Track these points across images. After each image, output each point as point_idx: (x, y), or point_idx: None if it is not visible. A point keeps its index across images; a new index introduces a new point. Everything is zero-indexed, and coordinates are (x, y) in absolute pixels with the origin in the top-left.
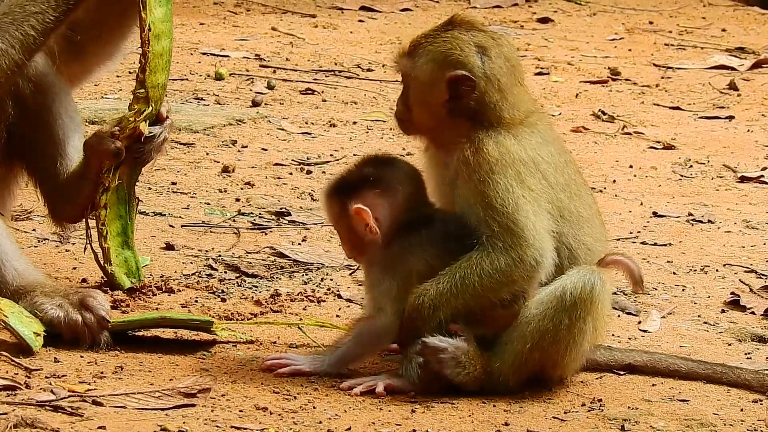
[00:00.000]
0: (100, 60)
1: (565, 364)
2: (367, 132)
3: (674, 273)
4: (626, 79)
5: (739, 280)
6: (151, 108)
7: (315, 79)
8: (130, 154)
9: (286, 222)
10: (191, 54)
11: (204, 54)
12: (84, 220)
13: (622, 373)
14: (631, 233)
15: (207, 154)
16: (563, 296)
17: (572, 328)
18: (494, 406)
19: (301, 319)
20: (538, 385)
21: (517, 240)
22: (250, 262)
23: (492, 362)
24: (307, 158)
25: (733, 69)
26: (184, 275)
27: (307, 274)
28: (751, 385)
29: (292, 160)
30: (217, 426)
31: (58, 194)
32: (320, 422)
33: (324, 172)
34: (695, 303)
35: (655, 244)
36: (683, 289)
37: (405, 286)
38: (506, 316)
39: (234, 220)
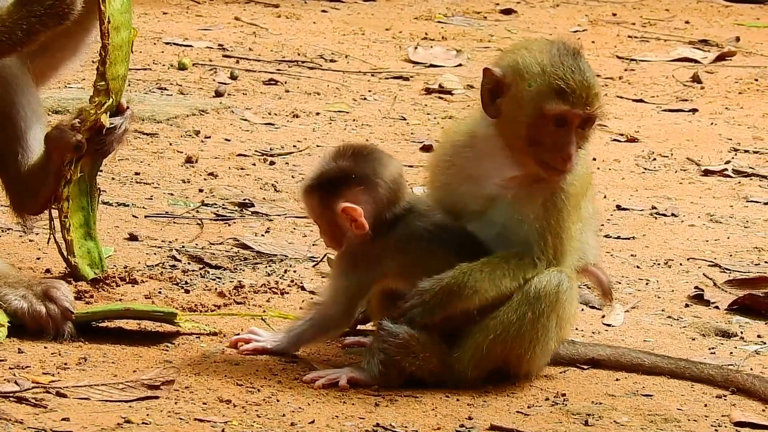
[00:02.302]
0: (66, 56)
1: (529, 360)
2: (330, 123)
3: (638, 267)
4: None
5: (703, 274)
6: (111, 100)
7: (278, 70)
8: (92, 146)
9: (250, 213)
10: (154, 44)
11: (167, 44)
12: (47, 211)
13: (585, 367)
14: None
15: (170, 144)
16: (528, 290)
17: (536, 323)
18: (458, 400)
19: (264, 311)
20: (502, 379)
21: (561, 260)
22: (214, 254)
23: (451, 354)
24: (270, 149)
25: (696, 61)
26: (147, 266)
27: (270, 266)
28: (714, 380)
29: (255, 150)
30: (181, 418)
31: (19, 187)
32: (284, 415)
33: (287, 164)
34: (659, 297)
35: (618, 237)
36: (647, 283)
37: (364, 288)
38: (466, 313)
39: (197, 211)
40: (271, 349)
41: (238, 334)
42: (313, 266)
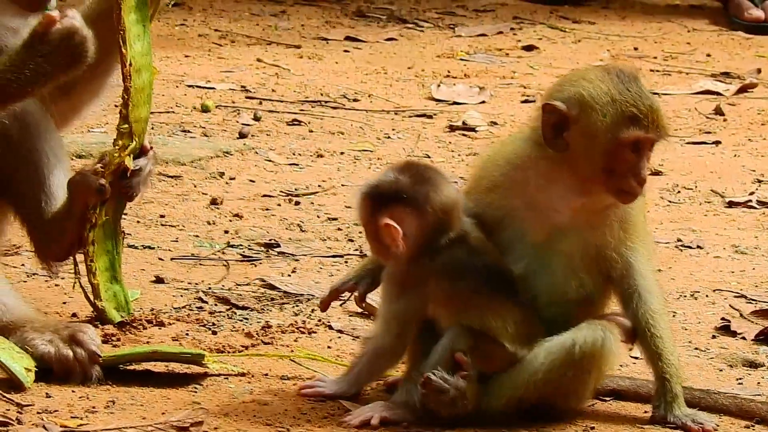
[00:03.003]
0: (88, 98)
1: (562, 406)
2: (355, 162)
3: (664, 299)
4: None
5: (729, 305)
6: (135, 142)
7: (301, 110)
8: (116, 189)
9: (276, 253)
10: (177, 86)
11: (189, 86)
12: (71, 257)
13: (607, 399)
14: None
15: (195, 186)
16: (572, 349)
17: (576, 380)
18: None
19: (292, 351)
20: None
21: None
22: (240, 294)
23: (486, 399)
24: (295, 189)
25: (718, 94)
26: (174, 308)
27: (297, 306)
28: (729, 410)
29: (280, 191)
30: None
31: (43, 233)
32: None
33: (312, 203)
34: (686, 329)
35: None
36: (674, 315)
37: (414, 312)
38: (508, 356)
39: (223, 252)
40: (332, 393)
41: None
42: (341, 305)
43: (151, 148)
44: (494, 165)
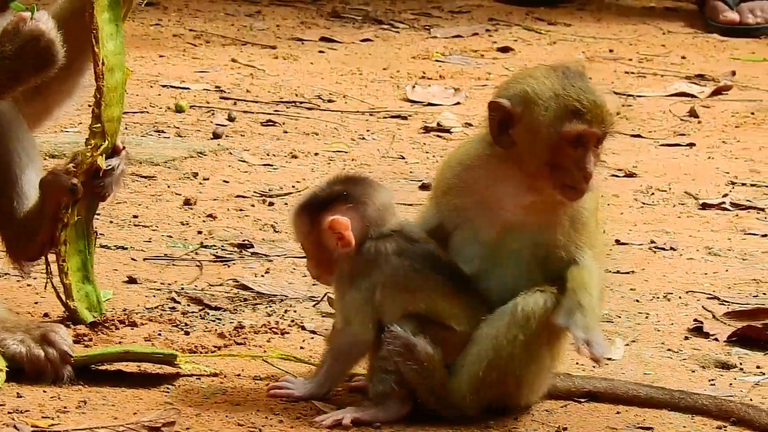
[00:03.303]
0: (61, 98)
1: (527, 385)
2: (329, 163)
3: (637, 300)
4: None
5: (702, 306)
6: (107, 142)
7: (276, 111)
8: (89, 189)
9: (249, 254)
10: (151, 86)
11: (164, 86)
12: (43, 257)
13: (583, 400)
14: None
15: (168, 186)
16: (515, 311)
17: (528, 345)
18: None
19: (265, 352)
20: (503, 413)
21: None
22: (213, 295)
23: (450, 382)
24: (269, 190)
25: (693, 96)
26: (146, 308)
27: (270, 306)
28: (709, 411)
29: (254, 191)
30: None
31: (15, 232)
32: None
33: (286, 204)
34: (658, 330)
35: (618, 271)
36: (646, 317)
37: (367, 298)
38: (460, 339)
39: (196, 253)
40: (301, 396)
41: (275, 385)
42: (314, 306)
43: (124, 147)
44: (449, 167)
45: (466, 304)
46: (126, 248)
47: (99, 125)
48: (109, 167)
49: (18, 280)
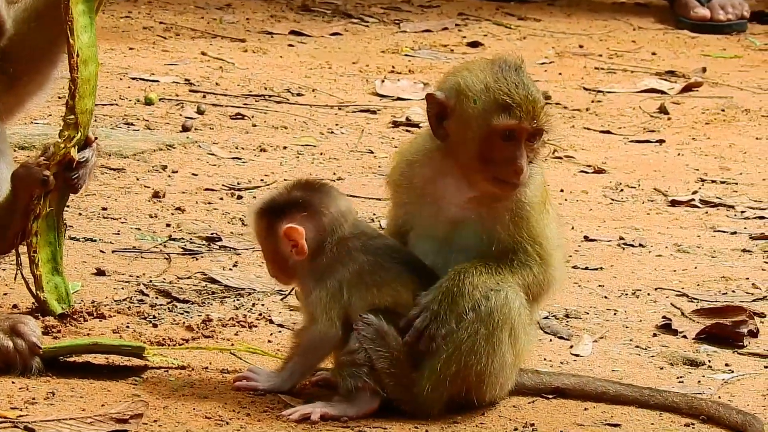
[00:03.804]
0: (33, 90)
1: (489, 380)
2: (298, 157)
3: (606, 297)
4: (556, 103)
5: (671, 303)
6: (80, 133)
7: (245, 104)
8: (60, 181)
9: (217, 247)
10: (121, 79)
11: (133, 79)
12: (14, 249)
13: (551, 396)
14: None
15: (137, 179)
16: (479, 307)
17: (490, 338)
18: (426, 430)
19: (232, 345)
20: (470, 410)
21: (549, 262)
22: (182, 288)
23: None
24: (238, 183)
25: (663, 92)
26: (115, 301)
27: (238, 300)
28: (679, 408)
29: (223, 185)
30: None
31: None
32: None
33: (254, 197)
34: (627, 327)
35: (586, 268)
36: (615, 313)
37: (333, 295)
38: None
39: (165, 246)
40: (264, 389)
41: (239, 376)
42: (281, 299)
43: (95, 139)
44: (397, 165)
45: None
46: (95, 240)
47: (73, 117)
48: (83, 159)
49: None
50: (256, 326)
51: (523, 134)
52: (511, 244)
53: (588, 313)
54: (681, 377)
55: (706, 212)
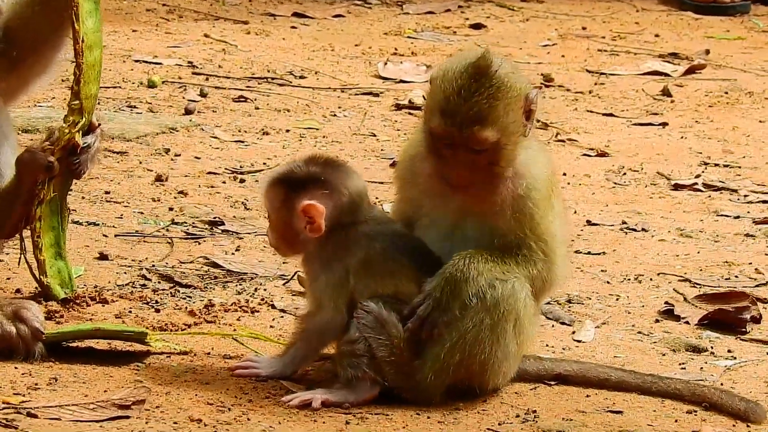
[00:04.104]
0: (37, 73)
1: (492, 370)
2: (300, 140)
3: (608, 282)
4: (559, 86)
5: (673, 289)
6: (84, 119)
7: (248, 87)
8: (64, 166)
9: (220, 231)
10: (124, 61)
11: (137, 61)
12: (18, 233)
13: (553, 383)
14: None
15: (140, 162)
16: (483, 296)
17: (495, 329)
18: (428, 417)
19: (235, 330)
20: (472, 396)
21: (552, 257)
22: (184, 272)
23: (416, 362)
24: (240, 167)
25: (666, 75)
26: (117, 285)
27: (240, 284)
28: (681, 395)
29: (225, 168)
30: None
31: None
32: None
33: (257, 181)
34: (629, 312)
35: (589, 252)
36: (617, 299)
37: (340, 281)
38: None
39: (167, 230)
40: (266, 375)
41: (239, 365)
42: (284, 284)
43: (99, 124)
44: (402, 160)
45: None
46: (98, 224)
47: (77, 102)
48: (86, 144)
49: None
50: (258, 311)
51: (455, 140)
52: (514, 240)
53: (590, 299)
54: (683, 363)
55: (709, 196)
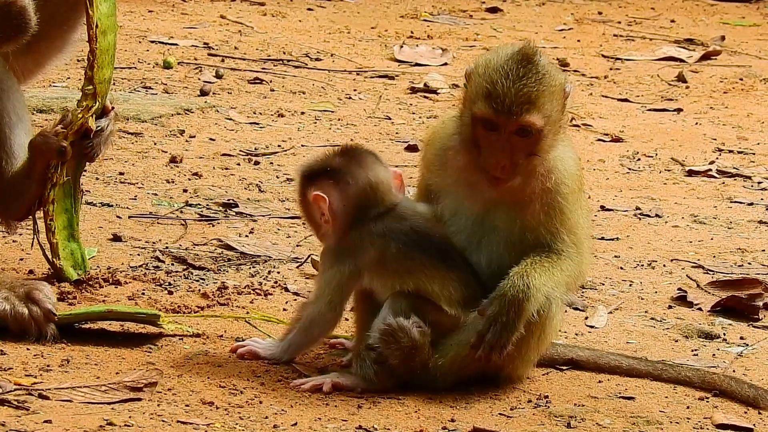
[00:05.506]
0: (52, 53)
1: (510, 369)
2: (315, 122)
3: (621, 268)
4: (575, 71)
5: (686, 275)
6: (98, 103)
7: (263, 69)
8: (77, 149)
9: (234, 213)
10: (140, 42)
11: (152, 42)
12: (31, 216)
13: (565, 368)
14: None
15: (155, 143)
16: (544, 311)
17: (521, 342)
18: (440, 402)
19: (248, 313)
20: (485, 381)
21: (581, 250)
22: (197, 254)
23: (434, 359)
24: (255, 149)
25: (681, 61)
26: (131, 267)
27: (254, 267)
28: (692, 382)
29: (240, 150)
30: (163, 420)
31: (3, 192)
32: (266, 417)
33: (272, 163)
34: (642, 298)
35: (602, 238)
36: (630, 285)
37: (350, 278)
38: (450, 320)
39: (181, 212)
40: (264, 356)
41: (240, 344)
42: (297, 267)
43: (113, 108)
44: (431, 146)
45: (457, 284)
46: (111, 205)
47: (91, 87)
48: (99, 128)
49: (3, 236)
50: (271, 294)
51: (503, 126)
52: (546, 234)
53: (603, 284)
54: (696, 350)
55: (723, 182)
